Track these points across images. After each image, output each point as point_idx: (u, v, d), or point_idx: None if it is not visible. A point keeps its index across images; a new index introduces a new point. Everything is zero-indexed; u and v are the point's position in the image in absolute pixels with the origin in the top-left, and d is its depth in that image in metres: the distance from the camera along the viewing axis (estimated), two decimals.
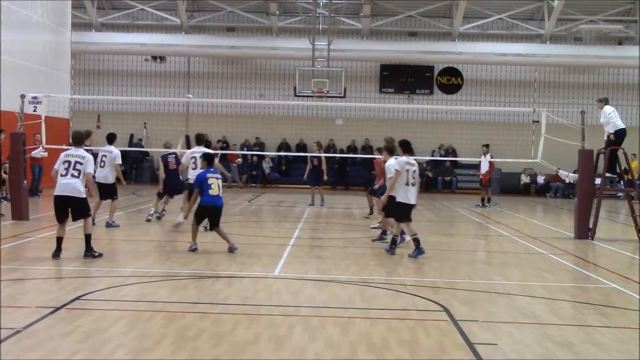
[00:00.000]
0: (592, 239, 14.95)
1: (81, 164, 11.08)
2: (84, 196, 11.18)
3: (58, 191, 11.05)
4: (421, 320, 7.54)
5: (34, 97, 17.35)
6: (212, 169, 12.31)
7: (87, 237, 11.14)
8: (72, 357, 5.97)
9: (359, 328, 7.15)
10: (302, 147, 30.80)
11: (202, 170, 12.46)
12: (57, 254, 10.92)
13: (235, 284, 9.28)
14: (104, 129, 31.92)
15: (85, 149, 11.70)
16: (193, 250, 11.79)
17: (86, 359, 5.96)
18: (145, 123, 32.12)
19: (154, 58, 33.07)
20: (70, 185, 10.99)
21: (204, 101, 31.82)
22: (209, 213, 12.10)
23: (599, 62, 31.76)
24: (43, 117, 16.94)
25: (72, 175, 11.02)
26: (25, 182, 15.91)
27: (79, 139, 11.54)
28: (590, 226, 15.10)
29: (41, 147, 17.94)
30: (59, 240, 10.99)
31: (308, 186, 22.16)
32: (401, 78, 33.05)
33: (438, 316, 7.77)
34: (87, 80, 32.81)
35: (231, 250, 11.89)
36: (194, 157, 14.69)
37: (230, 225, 15.20)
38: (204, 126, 28.79)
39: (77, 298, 8.10)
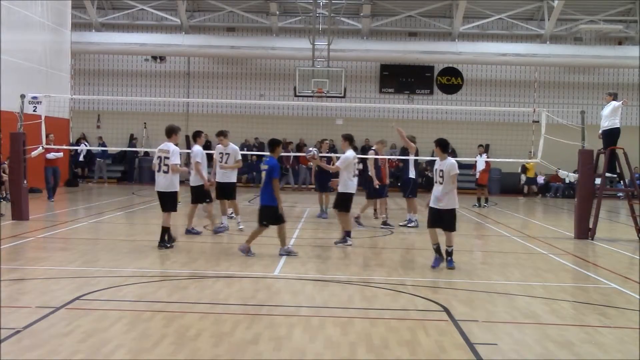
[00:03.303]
0: (592, 239, 14.95)
1: (168, 158, 11.89)
2: (173, 190, 12.06)
3: (156, 186, 12.19)
4: (421, 320, 7.54)
5: (34, 97, 17.35)
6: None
7: (163, 230, 11.95)
8: (72, 357, 5.97)
9: (359, 328, 7.15)
10: (302, 147, 30.77)
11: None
12: (162, 244, 11.86)
13: (235, 284, 9.28)
14: (104, 129, 32.09)
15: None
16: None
17: (86, 358, 5.96)
18: (145, 123, 32.14)
19: (154, 58, 33.07)
20: (160, 181, 12.04)
21: (204, 101, 31.83)
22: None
23: (599, 62, 31.76)
24: (43, 117, 16.94)
25: (163, 172, 11.96)
26: (25, 182, 15.86)
27: (168, 132, 12.20)
28: (590, 226, 15.10)
29: (40, 147, 17.91)
30: (164, 230, 11.90)
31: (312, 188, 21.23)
32: (401, 78, 33.06)
33: (438, 316, 7.77)
34: (87, 80, 32.83)
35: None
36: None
37: (230, 225, 15.19)
38: (203, 126, 28.73)
39: (77, 298, 8.10)
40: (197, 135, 14.43)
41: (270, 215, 11.41)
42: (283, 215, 11.57)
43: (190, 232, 13.92)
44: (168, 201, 12.15)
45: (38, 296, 8.26)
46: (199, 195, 14.05)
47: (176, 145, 12.44)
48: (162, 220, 12.11)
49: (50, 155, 19.91)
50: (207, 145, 20.62)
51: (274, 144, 11.83)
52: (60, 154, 20.67)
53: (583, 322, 7.75)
